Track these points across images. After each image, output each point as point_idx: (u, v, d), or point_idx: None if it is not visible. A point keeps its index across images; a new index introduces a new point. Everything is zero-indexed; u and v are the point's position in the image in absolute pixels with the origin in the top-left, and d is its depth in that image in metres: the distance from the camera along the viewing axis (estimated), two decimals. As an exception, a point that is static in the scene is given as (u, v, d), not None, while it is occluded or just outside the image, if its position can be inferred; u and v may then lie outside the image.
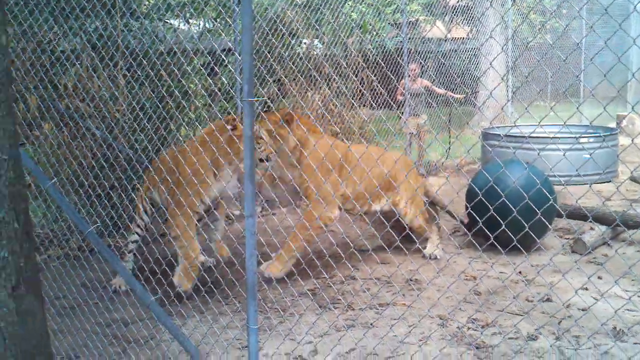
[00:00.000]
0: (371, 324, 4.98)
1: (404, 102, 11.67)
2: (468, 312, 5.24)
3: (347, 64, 10.41)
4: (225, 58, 8.32)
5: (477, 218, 3.30)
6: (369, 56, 11.32)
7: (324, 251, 4.93)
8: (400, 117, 12.03)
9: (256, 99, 3.12)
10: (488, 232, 3.17)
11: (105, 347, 4.54)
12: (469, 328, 4.93)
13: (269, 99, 9.20)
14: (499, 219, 3.29)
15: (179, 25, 9.56)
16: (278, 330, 4.81)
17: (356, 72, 10.60)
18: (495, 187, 4.79)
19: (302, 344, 4.48)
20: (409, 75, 11.74)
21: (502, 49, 15.00)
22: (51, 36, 6.53)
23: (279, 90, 9.50)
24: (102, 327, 4.83)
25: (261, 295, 5.46)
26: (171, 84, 6.16)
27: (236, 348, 4.17)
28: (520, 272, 6.15)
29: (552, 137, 8.93)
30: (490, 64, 3.47)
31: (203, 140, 5.32)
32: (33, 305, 3.19)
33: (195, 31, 9.47)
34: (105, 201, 6.06)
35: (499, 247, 3.11)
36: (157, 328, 4.41)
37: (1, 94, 3.06)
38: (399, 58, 11.58)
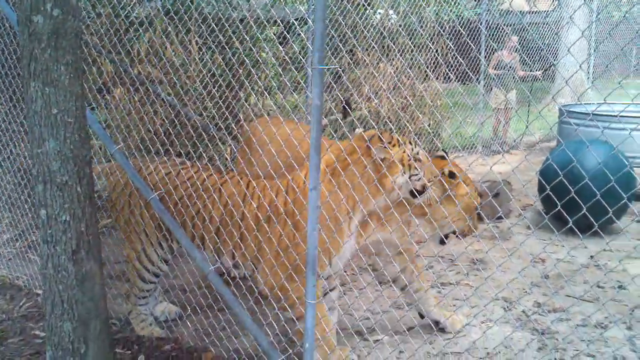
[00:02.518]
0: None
1: (496, 75, 11.41)
2: (534, 296, 5.07)
3: (422, 34, 10.16)
4: (298, 27, 8.23)
5: (554, 198, 3.12)
6: (446, 27, 11.04)
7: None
8: (492, 90, 11.76)
9: (327, 67, 3.02)
10: (566, 215, 2.99)
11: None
12: (534, 312, 4.77)
13: (340, 68, 9.07)
14: (578, 200, 3.10)
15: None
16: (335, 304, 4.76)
17: (432, 43, 10.33)
18: (576, 166, 4.58)
19: (360, 320, 4.41)
20: (508, 48, 11.47)
21: (585, 0, 14.28)
22: (126, 1, 6.58)
23: (351, 60, 9.35)
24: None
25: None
26: (242, 52, 6.11)
27: (291, 320, 4.14)
28: (592, 257, 5.90)
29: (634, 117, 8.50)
30: (570, 18, 3.19)
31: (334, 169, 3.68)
32: (93, 269, 3.22)
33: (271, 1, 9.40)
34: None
35: (576, 230, 2.96)
36: (214, 297, 4.41)
37: (70, 55, 3.07)
38: (479, 28, 11.27)
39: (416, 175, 3.71)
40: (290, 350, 3.90)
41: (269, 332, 3.97)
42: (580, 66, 2.70)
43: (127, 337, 4.31)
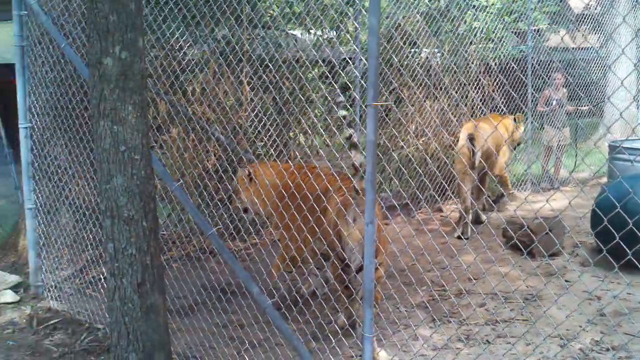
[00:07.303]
0: (488, 341, 4.83)
1: (547, 112, 11.33)
2: (591, 333, 4.99)
3: (469, 71, 10.21)
4: (345, 67, 8.37)
5: (614, 233, 3.11)
6: (492, 65, 11.06)
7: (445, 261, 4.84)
8: (544, 128, 11.66)
9: (381, 103, 3.10)
10: (626, 249, 2.97)
11: (221, 348, 4.65)
12: (592, 350, 4.69)
13: (388, 107, 9.14)
14: (638, 233, 3.08)
15: (301, 35, 9.70)
16: (393, 340, 4.75)
17: (477, 82, 10.36)
18: (632, 201, 4.54)
19: (417, 357, 4.40)
20: (553, 85, 11.40)
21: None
22: (181, 44, 6.79)
23: (397, 99, 9.43)
24: (218, 328, 4.95)
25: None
26: (293, 91, 6.24)
27: (349, 356, 4.16)
28: (650, 294, 5.79)
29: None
30: (621, 51, 3.21)
31: None
32: (157, 302, 3.32)
33: (316, 41, 9.58)
34: (228, 204, 6.17)
35: (638, 264, 2.90)
36: (272, 331, 4.46)
37: (137, 95, 3.21)
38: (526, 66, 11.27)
39: None
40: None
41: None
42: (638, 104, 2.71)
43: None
